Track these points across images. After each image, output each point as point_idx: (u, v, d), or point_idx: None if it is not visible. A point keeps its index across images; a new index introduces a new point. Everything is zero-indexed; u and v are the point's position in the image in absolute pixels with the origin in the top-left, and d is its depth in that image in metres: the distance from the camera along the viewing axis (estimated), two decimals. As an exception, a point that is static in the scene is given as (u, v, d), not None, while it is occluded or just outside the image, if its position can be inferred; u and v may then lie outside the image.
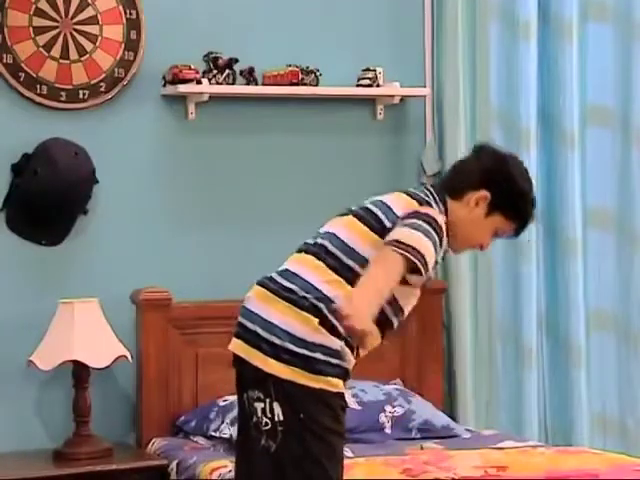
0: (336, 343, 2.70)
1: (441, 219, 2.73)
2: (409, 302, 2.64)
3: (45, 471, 3.50)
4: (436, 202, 2.60)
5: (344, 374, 2.75)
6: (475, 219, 2.65)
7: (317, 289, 2.69)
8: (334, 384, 2.68)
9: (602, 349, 4.48)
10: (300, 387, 2.57)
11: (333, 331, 2.70)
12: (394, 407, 4.01)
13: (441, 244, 2.73)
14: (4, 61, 3.72)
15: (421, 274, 2.45)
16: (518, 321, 4.41)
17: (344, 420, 2.78)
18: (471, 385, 4.42)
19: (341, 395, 2.74)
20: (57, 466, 3.56)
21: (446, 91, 4.49)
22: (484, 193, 2.57)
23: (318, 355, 2.68)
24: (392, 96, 4.35)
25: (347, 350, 2.68)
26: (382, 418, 3.96)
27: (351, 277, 2.66)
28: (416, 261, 2.52)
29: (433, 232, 2.64)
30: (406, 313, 2.65)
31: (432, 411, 4.11)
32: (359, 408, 3.93)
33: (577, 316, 4.38)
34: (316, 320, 2.63)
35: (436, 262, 2.67)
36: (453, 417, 4.25)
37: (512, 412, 4.47)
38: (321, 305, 2.64)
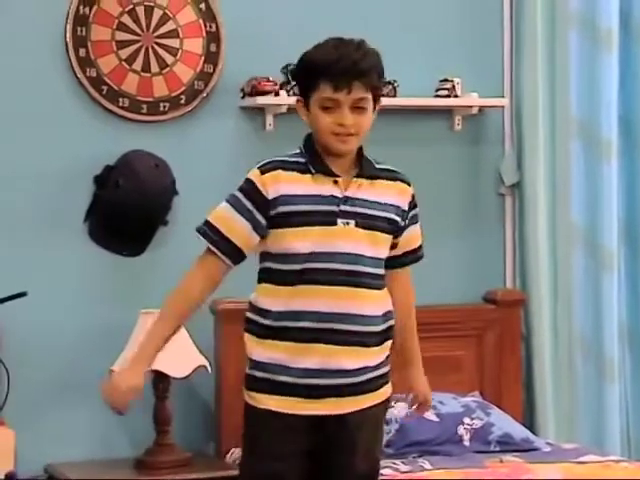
0: (262, 354, 2.68)
1: (252, 173, 2.77)
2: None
3: (127, 479, 3.56)
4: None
5: (271, 389, 2.70)
6: (310, 121, 2.65)
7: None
8: (257, 400, 2.67)
9: (686, 361, 4.39)
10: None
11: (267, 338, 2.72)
12: (473, 419, 3.95)
13: (252, 190, 2.75)
14: (87, 74, 3.75)
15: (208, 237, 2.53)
16: (599, 332, 4.31)
17: (263, 441, 2.74)
18: (551, 398, 4.33)
19: (263, 412, 2.69)
20: (138, 474, 3.61)
21: (525, 101, 4.40)
22: (297, 100, 2.62)
23: (248, 370, 2.73)
24: (470, 107, 4.31)
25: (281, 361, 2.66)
26: (461, 430, 3.90)
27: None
28: (203, 237, 2.66)
29: (236, 192, 2.74)
30: None
31: (511, 424, 4.03)
32: (437, 420, 3.87)
33: (660, 327, 4.26)
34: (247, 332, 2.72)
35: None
36: (533, 430, 4.17)
37: (593, 426, 4.37)
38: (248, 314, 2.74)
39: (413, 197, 2.82)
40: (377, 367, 2.75)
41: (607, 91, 4.20)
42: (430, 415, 3.84)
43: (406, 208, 2.78)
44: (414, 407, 2.98)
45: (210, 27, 3.95)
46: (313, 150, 2.66)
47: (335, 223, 2.62)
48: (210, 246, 2.62)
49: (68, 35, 3.81)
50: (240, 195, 2.65)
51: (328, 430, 2.71)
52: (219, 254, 2.62)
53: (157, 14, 3.90)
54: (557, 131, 4.39)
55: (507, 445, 3.92)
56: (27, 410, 3.75)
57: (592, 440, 4.25)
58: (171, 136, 4.00)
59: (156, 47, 3.92)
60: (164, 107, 3.93)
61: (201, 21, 3.94)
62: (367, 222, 2.68)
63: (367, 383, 2.74)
